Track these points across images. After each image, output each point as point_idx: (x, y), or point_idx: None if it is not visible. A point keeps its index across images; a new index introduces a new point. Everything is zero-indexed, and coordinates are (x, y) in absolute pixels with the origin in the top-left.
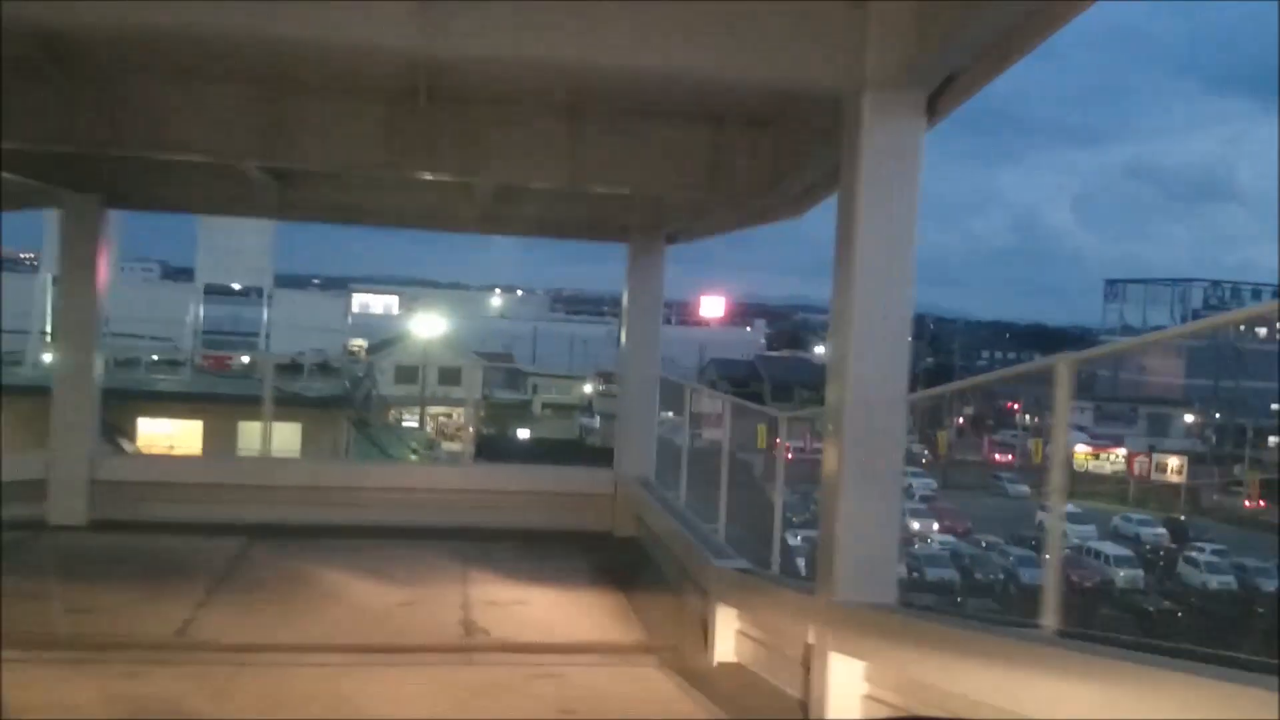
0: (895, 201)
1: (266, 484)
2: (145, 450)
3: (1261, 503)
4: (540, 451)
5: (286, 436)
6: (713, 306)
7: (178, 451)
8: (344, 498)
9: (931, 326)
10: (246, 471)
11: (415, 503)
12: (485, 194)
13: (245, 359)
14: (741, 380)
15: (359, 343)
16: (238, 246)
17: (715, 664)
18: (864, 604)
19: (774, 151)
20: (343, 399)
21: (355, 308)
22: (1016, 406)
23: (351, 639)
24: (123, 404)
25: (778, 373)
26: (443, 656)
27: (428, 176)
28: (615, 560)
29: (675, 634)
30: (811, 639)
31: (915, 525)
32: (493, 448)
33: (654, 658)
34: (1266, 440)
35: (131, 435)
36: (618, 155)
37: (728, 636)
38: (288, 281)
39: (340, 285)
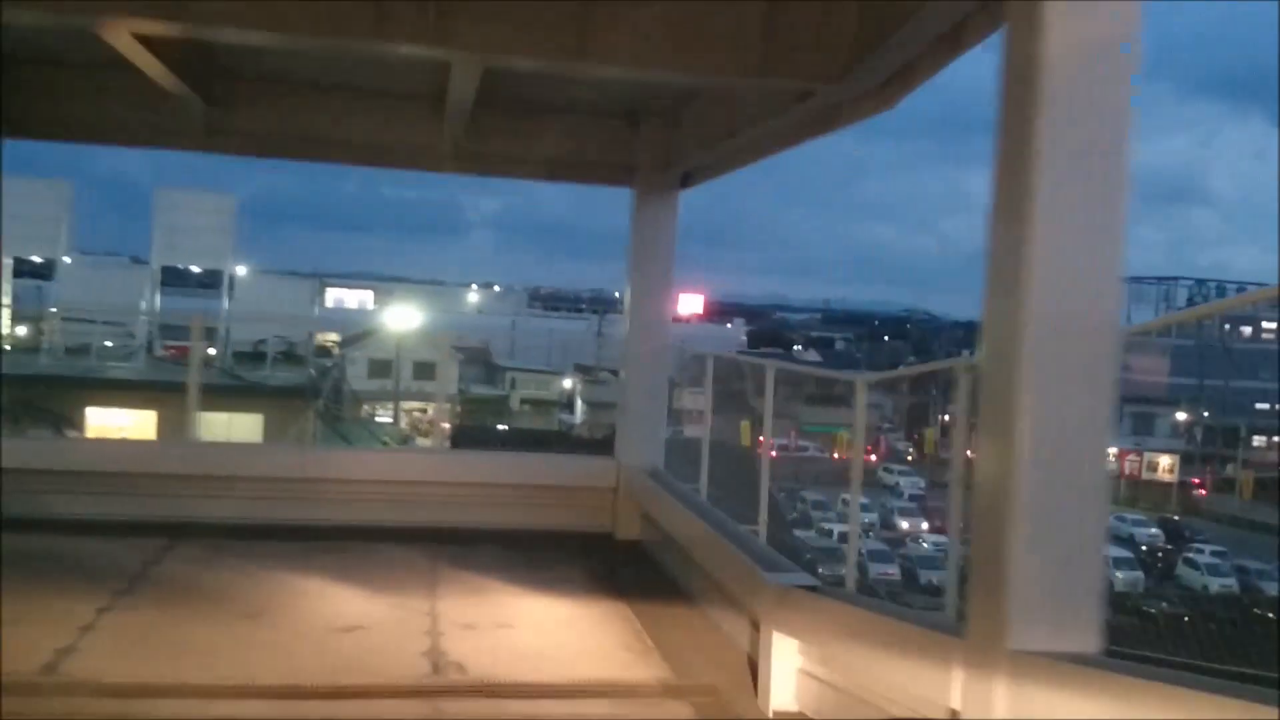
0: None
1: (208, 472)
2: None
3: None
4: (520, 442)
5: (247, 428)
6: (690, 303)
7: (103, 434)
8: (296, 490)
9: (910, 328)
10: (185, 458)
11: (377, 497)
12: (459, 115)
13: (212, 350)
14: (723, 376)
15: (331, 337)
16: (196, 226)
17: (770, 714)
18: (1057, 655)
19: (858, 15)
20: (307, 389)
21: (329, 302)
22: None
23: (279, 677)
24: (71, 392)
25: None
26: (401, 704)
27: (386, 48)
28: (620, 569)
29: (710, 670)
30: (957, 701)
31: (905, 525)
32: (470, 440)
33: (685, 704)
34: (1252, 440)
35: (80, 425)
36: (641, 23)
37: (786, 677)
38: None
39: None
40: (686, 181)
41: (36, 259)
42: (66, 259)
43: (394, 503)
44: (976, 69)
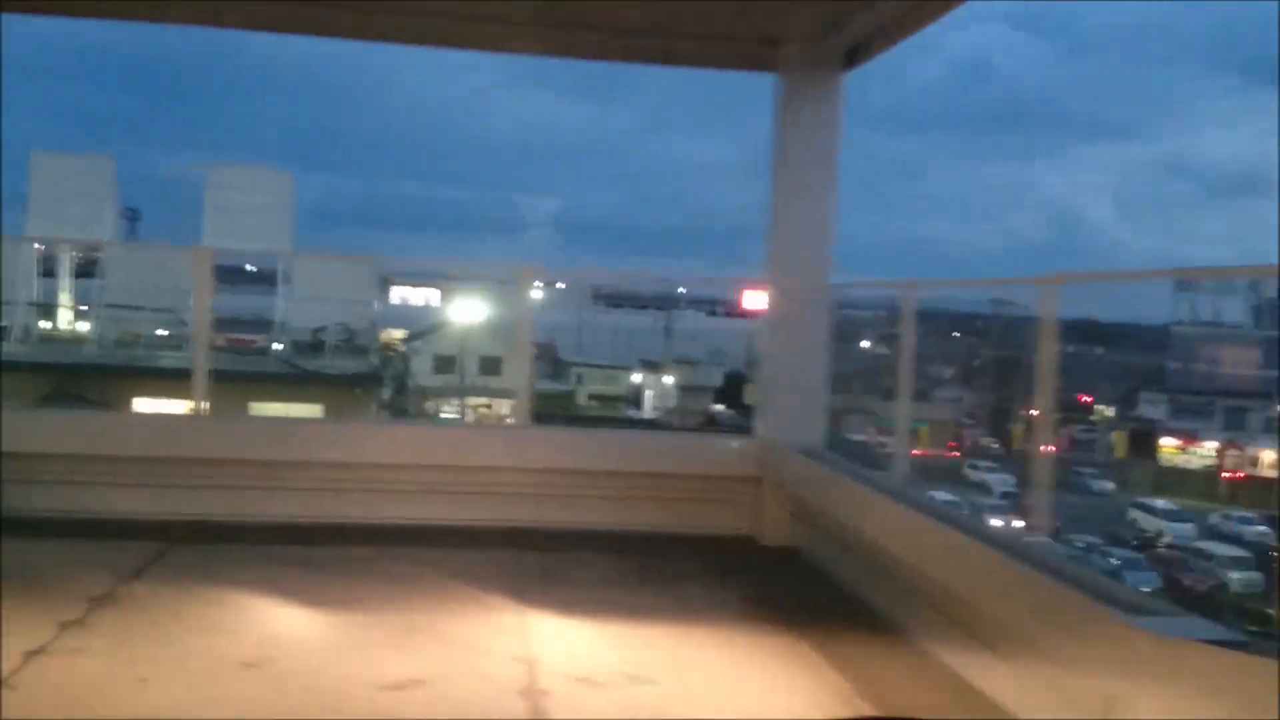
0: None
1: (230, 455)
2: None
3: None
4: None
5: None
6: (759, 299)
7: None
8: (346, 478)
9: (979, 324)
10: (206, 437)
11: (445, 487)
12: None
13: (277, 346)
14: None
15: (397, 333)
16: (251, 205)
17: None
18: None
19: None
20: (369, 377)
21: (394, 299)
22: (1089, 400)
23: None
24: (118, 381)
25: (836, 361)
26: None
27: None
28: (781, 587)
29: None
30: None
31: (998, 524)
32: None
33: None
34: None
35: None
36: None
37: None
38: None
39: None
40: (853, 59)
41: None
42: (110, 242)
43: (466, 495)
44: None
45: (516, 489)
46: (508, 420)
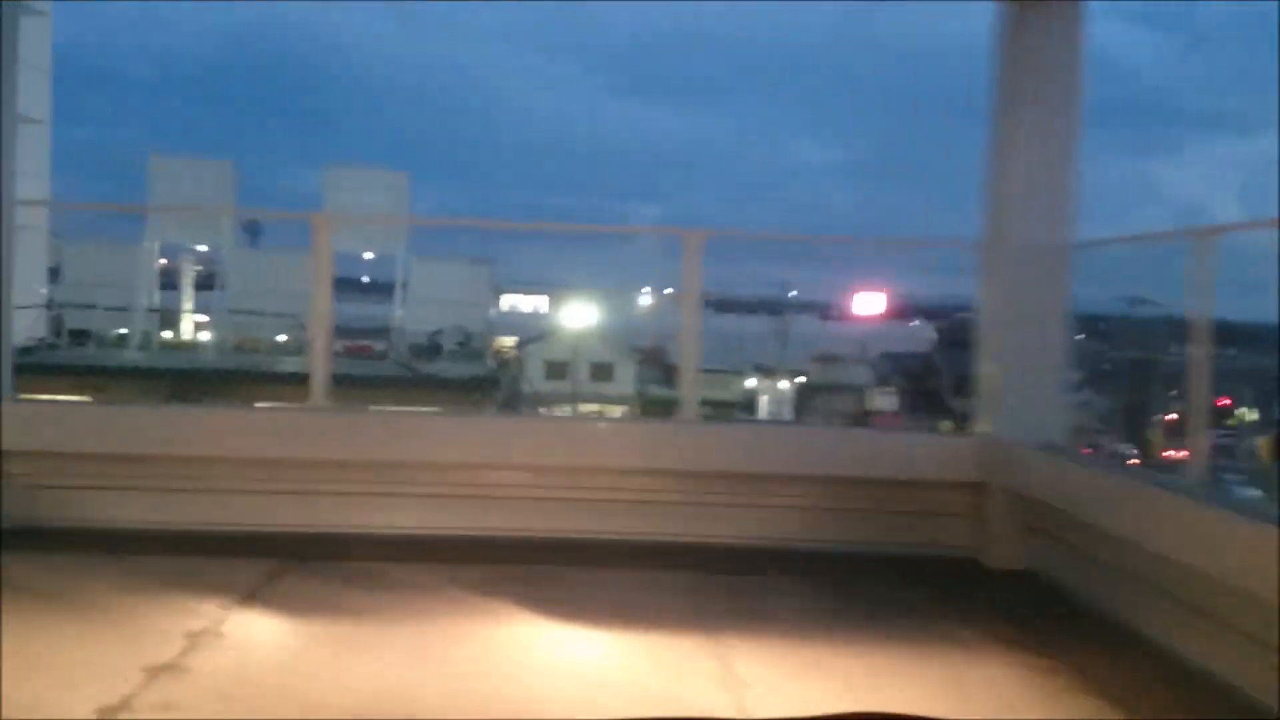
0: None
1: (346, 456)
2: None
3: None
4: None
5: None
6: (870, 303)
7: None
8: (476, 482)
9: (1104, 326)
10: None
11: (592, 493)
12: None
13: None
14: (917, 374)
15: (508, 341)
16: (367, 206)
17: None
18: None
19: None
20: (486, 381)
21: (504, 306)
22: (1229, 402)
23: None
24: (238, 387)
25: (960, 366)
26: None
27: None
28: (1046, 628)
29: None
30: None
31: None
32: None
33: None
34: None
35: None
36: None
37: None
38: None
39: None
40: None
41: (200, 247)
42: (230, 247)
43: (612, 503)
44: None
45: (680, 496)
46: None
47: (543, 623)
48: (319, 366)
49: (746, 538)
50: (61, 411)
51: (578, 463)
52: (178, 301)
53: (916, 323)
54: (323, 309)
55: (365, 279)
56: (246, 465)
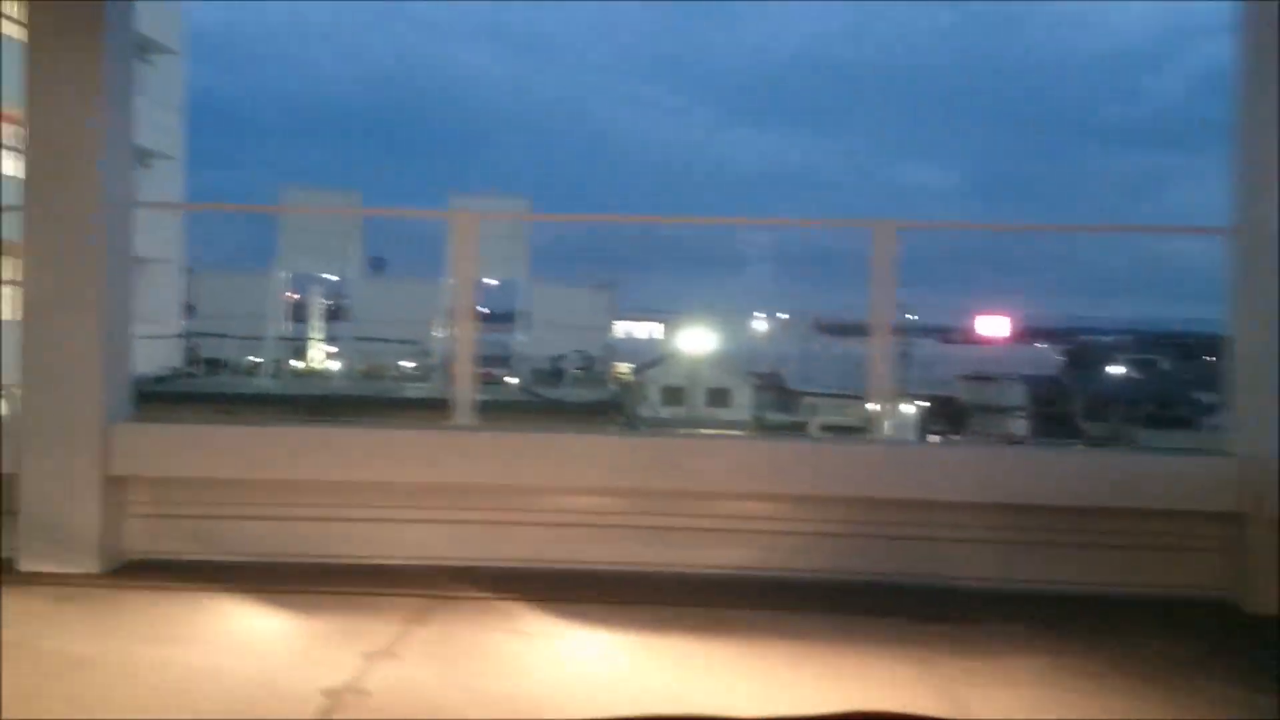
0: None
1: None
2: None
3: None
4: None
5: None
6: (994, 326)
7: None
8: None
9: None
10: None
11: (753, 524)
12: None
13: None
14: (1045, 397)
15: (624, 367)
16: (489, 233)
17: None
18: None
19: None
20: (610, 405)
21: (619, 333)
22: None
23: None
24: (364, 413)
25: (1091, 387)
26: None
27: None
28: None
29: None
30: None
31: None
32: None
33: None
34: None
35: None
36: None
37: None
38: None
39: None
40: None
41: (328, 275)
42: (355, 276)
43: (772, 535)
44: None
45: (846, 527)
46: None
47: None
48: (464, 376)
49: (935, 575)
50: (188, 434)
51: (745, 487)
52: (306, 330)
53: (1038, 347)
54: (467, 305)
55: (484, 309)
56: (390, 491)
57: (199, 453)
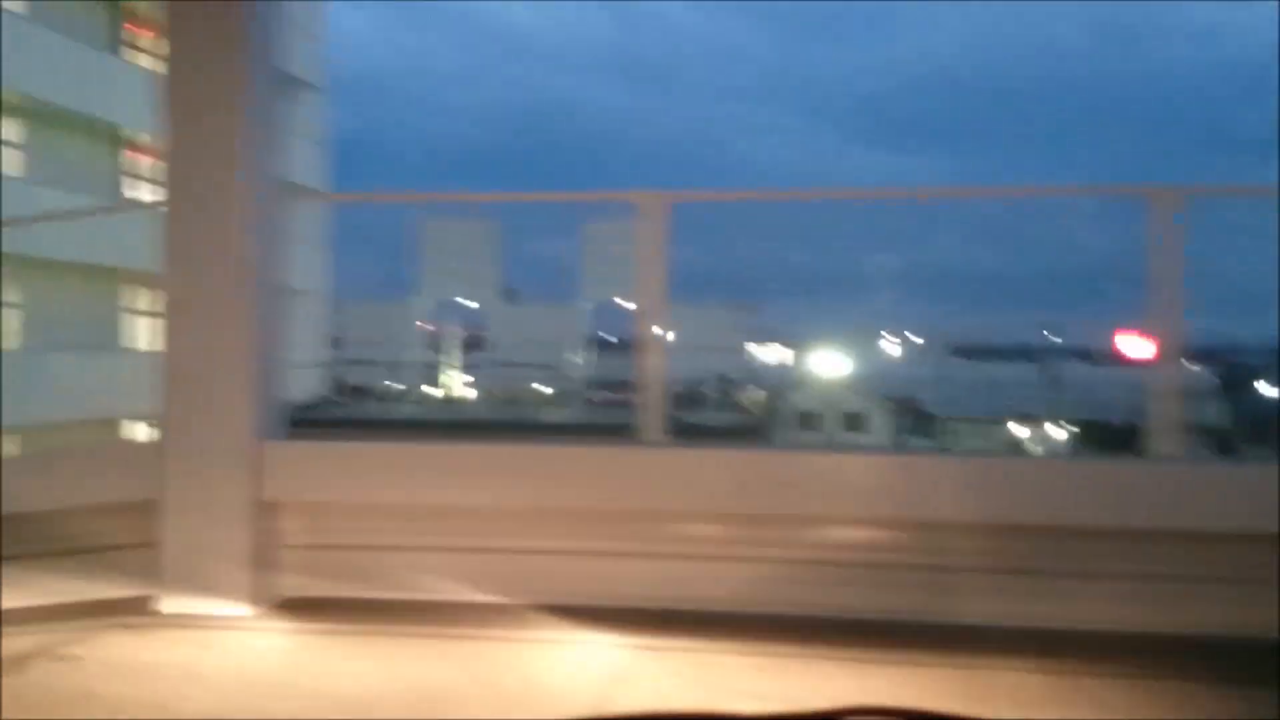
0: None
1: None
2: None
3: None
4: None
5: None
6: (1137, 346)
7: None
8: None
9: None
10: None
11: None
12: None
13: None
14: (1204, 418)
15: (757, 394)
16: (625, 256)
17: None
18: None
19: None
20: (753, 430)
21: (757, 357)
22: None
23: None
24: (505, 438)
25: (1244, 410)
26: None
27: None
28: None
29: None
30: None
31: None
32: None
33: None
34: None
35: None
36: None
37: None
38: None
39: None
40: None
41: (467, 302)
42: (490, 303)
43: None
44: None
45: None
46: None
47: None
48: (655, 385)
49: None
50: (346, 452)
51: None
52: (444, 357)
53: (1193, 366)
54: (654, 299)
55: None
56: (583, 518)
57: (359, 474)
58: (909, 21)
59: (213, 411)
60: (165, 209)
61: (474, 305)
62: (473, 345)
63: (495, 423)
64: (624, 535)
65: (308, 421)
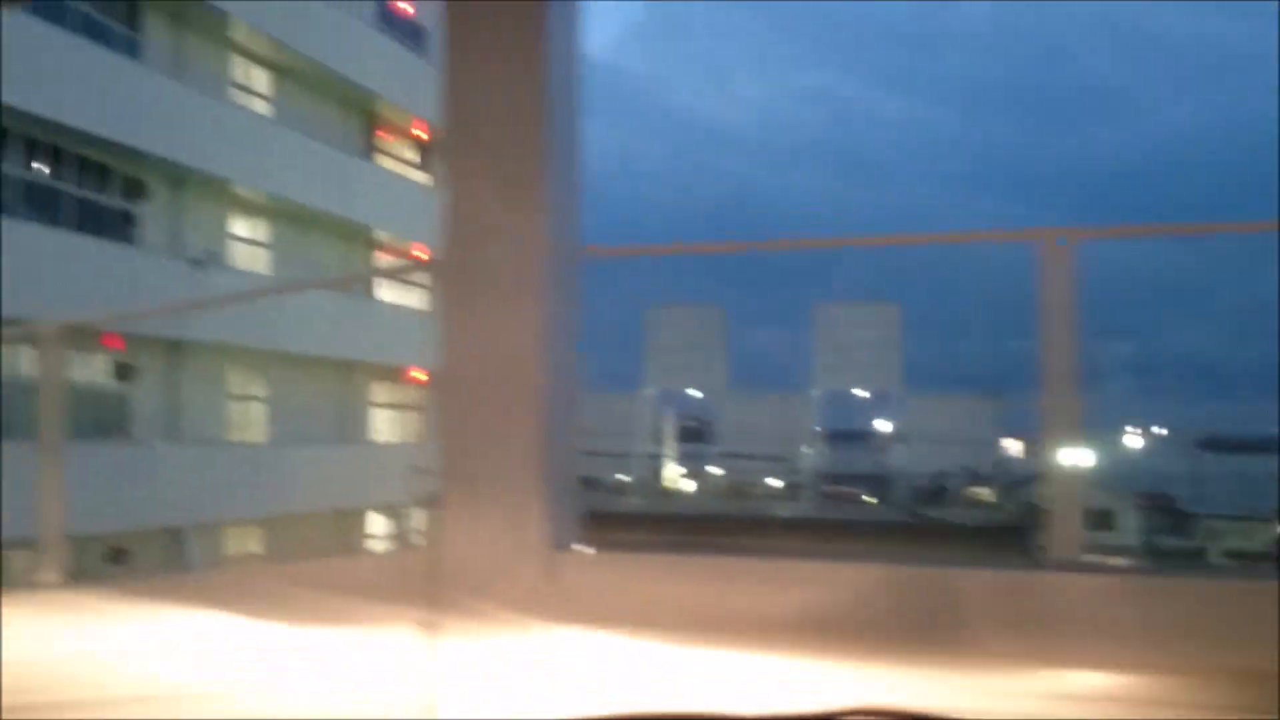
0: None
1: None
2: None
3: None
4: None
5: None
6: None
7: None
8: None
9: None
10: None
11: None
12: None
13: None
14: None
15: (984, 491)
16: (859, 341)
17: None
18: None
19: None
20: (1009, 529)
21: (1006, 449)
22: None
23: None
24: (734, 533)
25: None
26: None
27: None
28: None
29: None
30: None
31: None
32: None
33: None
34: None
35: None
36: None
37: None
38: None
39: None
40: None
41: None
42: (716, 392)
43: None
44: None
45: None
46: None
47: None
48: (1067, 491)
49: None
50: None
51: None
52: (669, 448)
53: None
54: (1064, 356)
55: (844, 427)
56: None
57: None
58: (1134, 107)
59: (496, 513)
60: (439, 277)
61: (698, 394)
62: (693, 435)
63: (739, 517)
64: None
65: None
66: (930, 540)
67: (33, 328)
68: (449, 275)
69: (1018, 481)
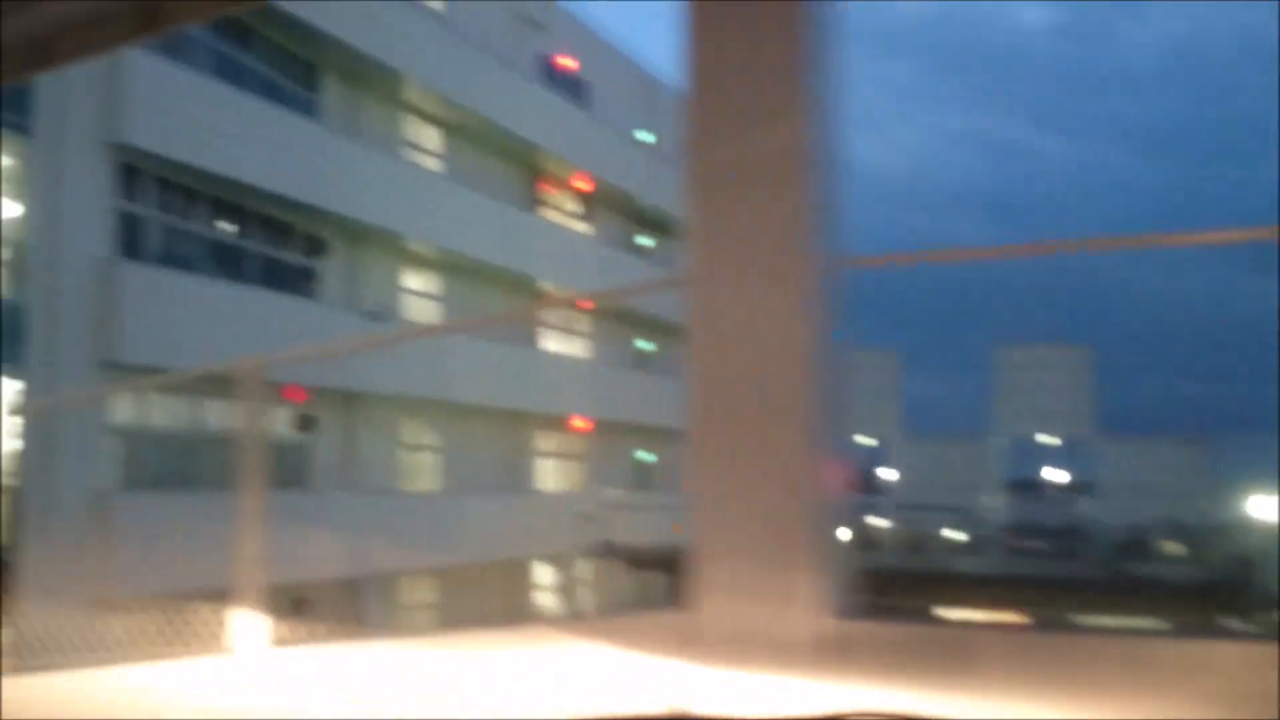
0: None
1: None
2: None
3: None
4: None
5: None
6: None
7: None
8: None
9: None
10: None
11: None
12: None
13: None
14: None
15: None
16: (1045, 384)
17: None
18: None
19: None
20: (1222, 586)
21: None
22: None
23: None
24: (912, 588)
25: None
26: None
27: None
28: None
29: None
30: None
31: None
32: None
33: None
34: None
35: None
36: None
37: None
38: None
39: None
40: None
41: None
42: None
43: None
44: None
45: None
46: None
47: None
48: None
49: None
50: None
51: None
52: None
53: None
54: None
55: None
56: None
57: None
58: None
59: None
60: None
61: (872, 443)
62: (863, 486)
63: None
64: None
65: None
66: (1120, 595)
67: (231, 371)
68: (700, 293)
69: (1222, 533)
